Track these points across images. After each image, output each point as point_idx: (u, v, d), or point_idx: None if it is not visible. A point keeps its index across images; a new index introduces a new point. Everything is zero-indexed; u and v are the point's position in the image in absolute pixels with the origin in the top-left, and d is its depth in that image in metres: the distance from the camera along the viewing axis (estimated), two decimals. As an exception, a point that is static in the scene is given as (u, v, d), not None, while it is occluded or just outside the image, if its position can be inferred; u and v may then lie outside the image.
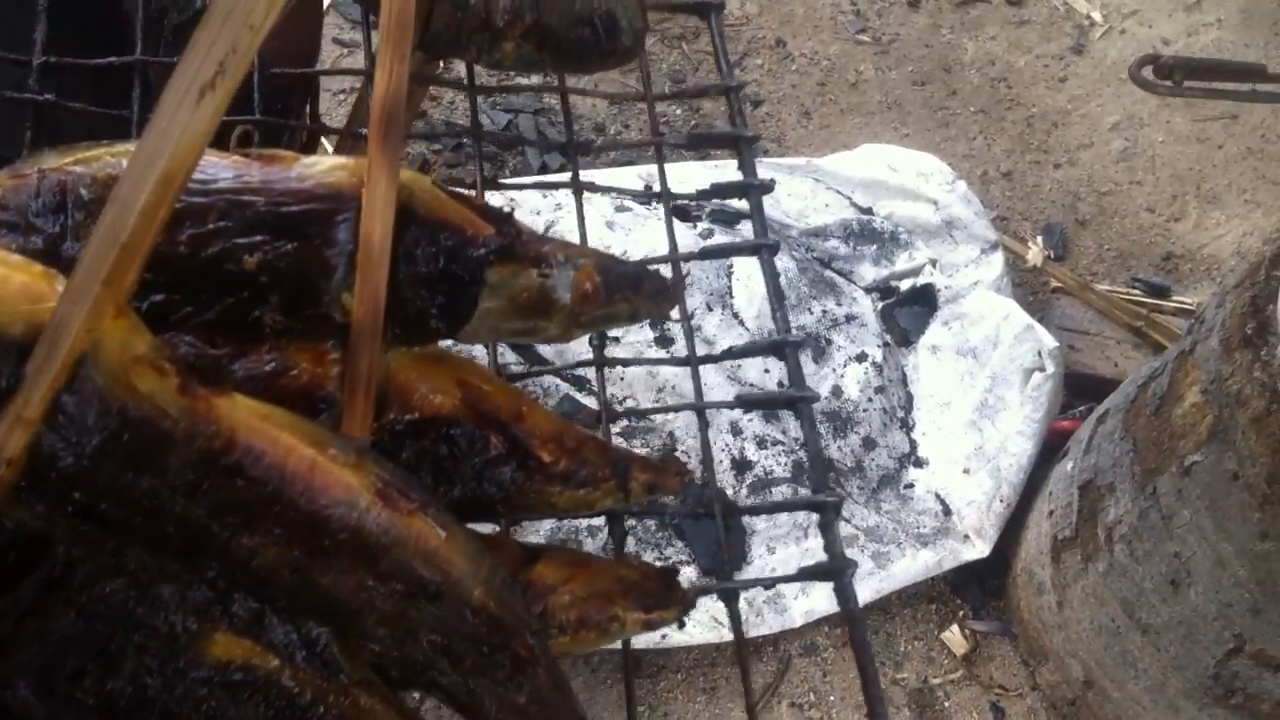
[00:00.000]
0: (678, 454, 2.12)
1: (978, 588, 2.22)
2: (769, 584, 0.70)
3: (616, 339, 2.21)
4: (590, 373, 2.18)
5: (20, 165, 0.60)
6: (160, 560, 0.55)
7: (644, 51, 0.83)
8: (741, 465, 2.17)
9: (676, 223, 2.39)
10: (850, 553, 2.15)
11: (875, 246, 2.44)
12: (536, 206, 2.32)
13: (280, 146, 0.90)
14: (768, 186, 0.80)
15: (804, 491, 2.15)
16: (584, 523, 2.08)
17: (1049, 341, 2.20)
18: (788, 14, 2.95)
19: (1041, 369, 2.19)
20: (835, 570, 0.67)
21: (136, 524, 0.54)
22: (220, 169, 0.59)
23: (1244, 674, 1.68)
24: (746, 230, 2.35)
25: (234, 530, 0.54)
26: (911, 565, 2.15)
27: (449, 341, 0.63)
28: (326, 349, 0.60)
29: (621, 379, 2.19)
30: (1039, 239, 2.60)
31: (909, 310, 2.40)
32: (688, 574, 2.08)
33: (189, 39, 0.50)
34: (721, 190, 0.82)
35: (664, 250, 2.22)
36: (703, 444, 0.75)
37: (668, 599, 0.62)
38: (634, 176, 2.41)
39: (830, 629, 2.15)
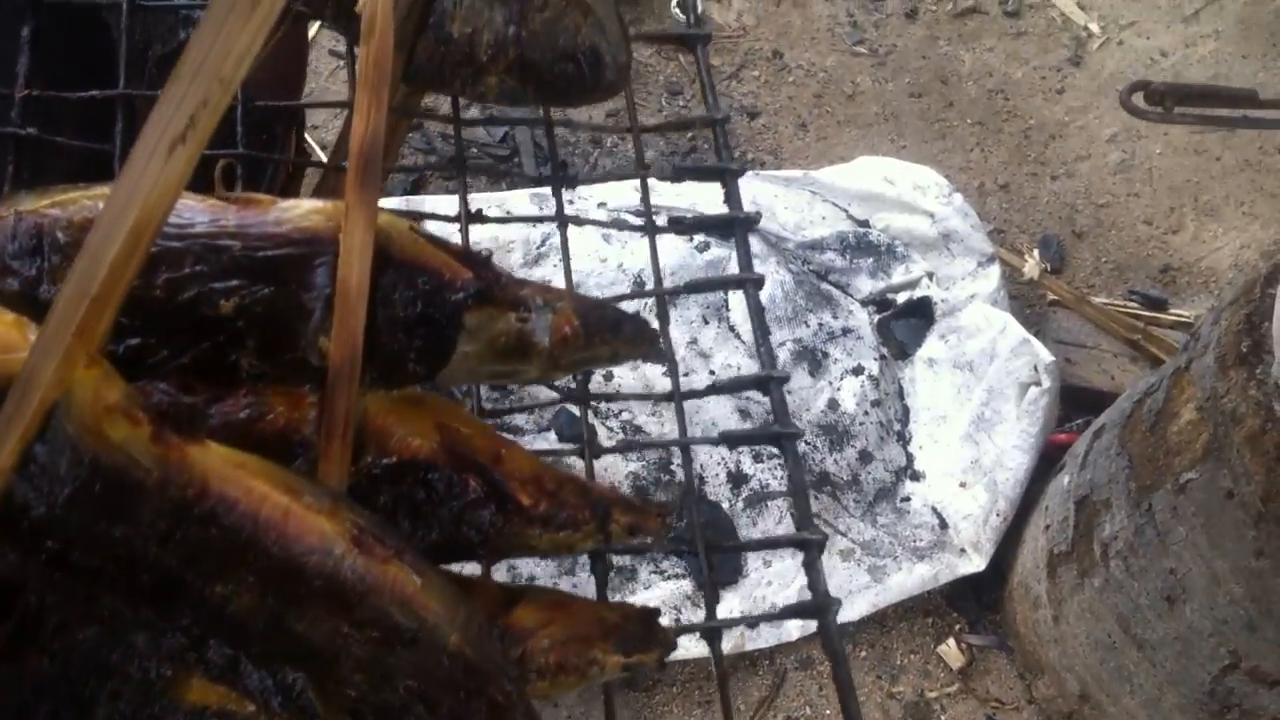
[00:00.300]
0: (674, 466, 2.12)
1: (974, 601, 2.22)
2: (752, 623, 0.69)
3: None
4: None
5: (-4, 208, 0.60)
6: (134, 607, 0.54)
7: (629, 83, 0.83)
8: (738, 479, 2.16)
9: (672, 235, 2.40)
10: (846, 566, 2.15)
11: (872, 259, 2.43)
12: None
13: (264, 179, 0.90)
14: (753, 220, 0.80)
15: (800, 505, 2.15)
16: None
17: (1045, 356, 2.20)
18: (785, 25, 2.95)
19: (1038, 383, 2.19)
20: (820, 608, 0.67)
21: (110, 571, 0.53)
22: (196, 213, 0.59)
23: (1239, 690, 1.68)
24: (743, 242, 2.36)
25: (207, 578, 0.54)
26: (908, 579, 2.15)
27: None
28: (303, 393, 0.60)
29: (618, 389, 2.19)
30: (1036, 251, 2.60)
31: (905, 323, 2.39)
32: (683, 587, 2.08)
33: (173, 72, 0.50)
34: (707, 223, 0.82)
35: (666, 264, 2.21)
36: (686, 480, 0.75)
37: (648, 641, 0.61)
38: (630, 189, 2.41)
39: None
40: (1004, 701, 2.13)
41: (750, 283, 0.78)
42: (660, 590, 2.06)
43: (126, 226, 0.49)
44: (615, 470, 2.10)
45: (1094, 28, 2.99)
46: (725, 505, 2.14)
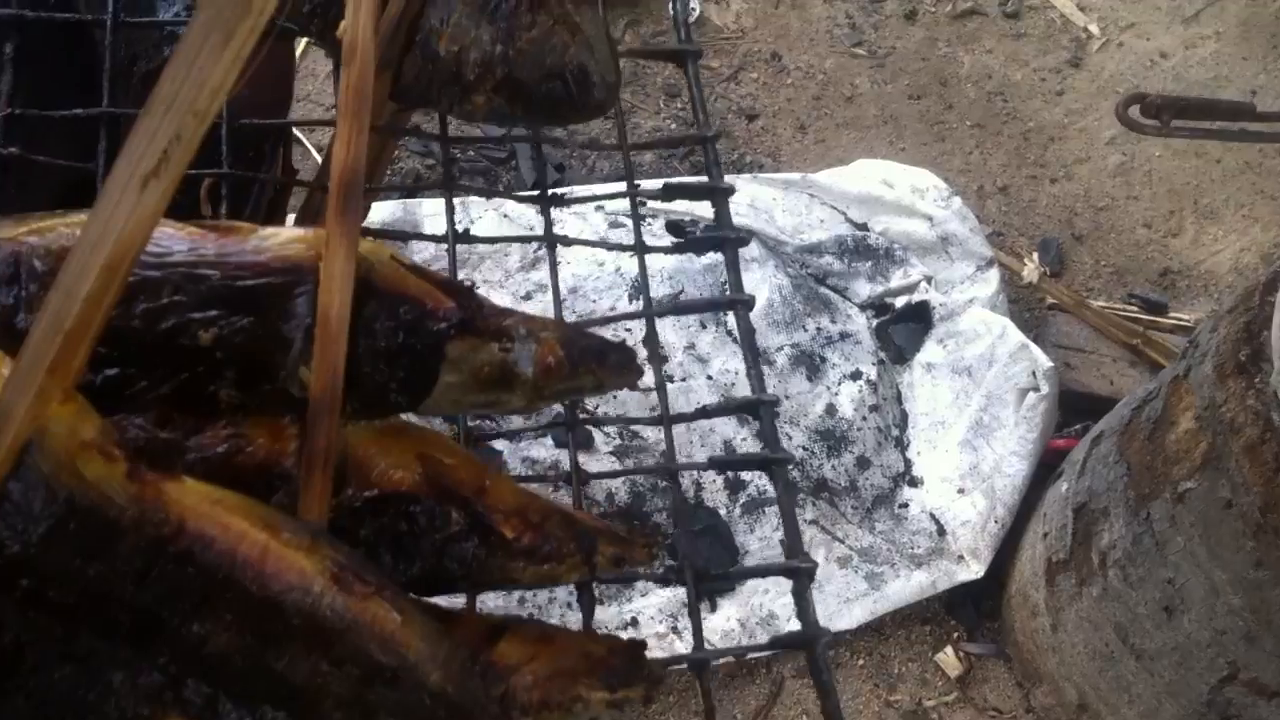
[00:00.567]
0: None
1: (972, 609, 2.21)
2: (739, 654, 0.68)
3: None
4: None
5: (-26, 235, 0.59)
6: (111, 646, 0.53)
7: (619, 101, 0.82)
8: (735, 485, 2.16)
9: (671, 240, 2.39)
10: (844, 573, 2.14)
11: (870, 263, 2.43)
12: (530, 223, 2.31)
13: (251, 197, 0.89)
14: (743, 239, 0.79)
15: (796, 511, 2.14)
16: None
17: (1044, 361, 2.19)
18: (783, 27, 2.94)
19: (1036, 389, 2.18)
20: (808, 640, 0.66)
21: (86, 610, 0.52)
22: (175, 241, 0.58)
23: (1238, 701, 1.67)
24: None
25: (185, 616, 0.53)
26: (906, 586, 2.15)
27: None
28: (284, 424, 0.59)
29: (614, 398, 2.18)
30: (1035, 255, 2.59)
31: (904, 327, 2.38)
32: (679, 594, 2.07)
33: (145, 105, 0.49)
34: (696, 244, 0.81)
35: (655, 269, 2.20)
36: (675, 507, 0.74)
37: (635, 676, 0.60)
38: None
39: (823, 650, 2.13)
40: (1002, 710, 2.12)
41: (741, 304, 0.77)
42: (656, 597, 2.05)
43: (100, 262, 0.48)
44: (613, 480, 2.09)
45: (1094, 29, 2.98)
46: (723, 512, 2.13)
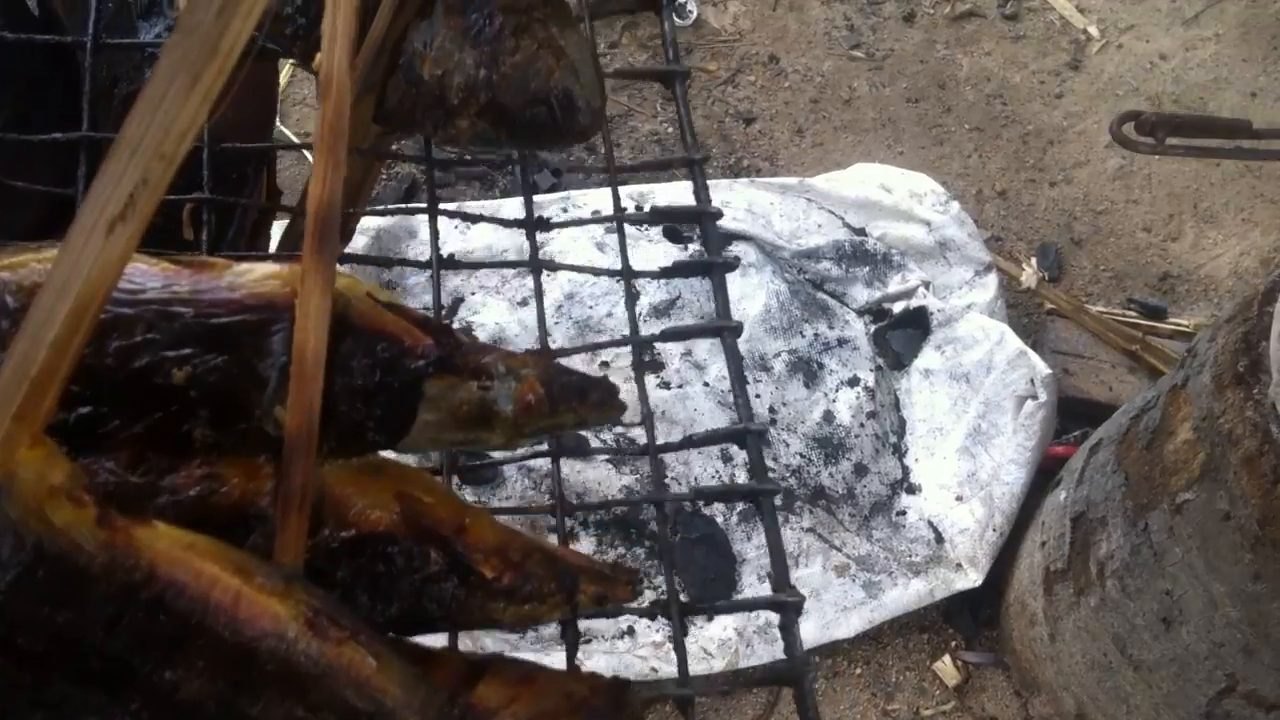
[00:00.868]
0: (667, 482, 2.10)
1: (970, 617, 2.20)
2: (725, 690, 0.67)
3: (607, 363, 2.19)
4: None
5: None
6: (82, 693, 0.53)
7: (606, 126, 0.81)
8: (734, 487, 2.14)
9: (667, 244, 2.39)
10: (842, 582, 2.13)
11: (868, 268, 2.42)
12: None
13: (233, 220, 0.88)
14: (730, 264, 0.78)
15: (794, 519, 2.14)
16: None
17: (1042, 369, 2.18)
18: (781, 30, 2.92)
19: (1034, 396, 2.17)
20: (795, 675, 0.65)
21: (56, 657, 0.51)
22: (148, 278, 0.57)
23: (1236, 713, 1.66)
24: (738, 251, 2.34)
25: (157, 663, 0.52)
26: (903, 595, 2.14)
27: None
28: (259, 463, 0.58)
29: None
30: (1034, 260, 2.58)
31: (902, 333, 2.38)
32: (677, 603, 2.06)
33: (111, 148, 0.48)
34: (684, 269, 0.80)
35: (654, 269, 2.20)
36: (663, 539, 0.73)
37: (618, 716, 0.60)
38: (624, 195, 2.39)
39: (820, 659, 2.13)
40: (1000, 719, 2.11)
41: (728, 330, 0.75)
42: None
43: (66, 307, 0.47)
44: (609, 484, 2.08)
45: (1093, 31, 2.97)
46: (720, 520, 2.13)
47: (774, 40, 2.91)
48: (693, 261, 0.79)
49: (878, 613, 2.13)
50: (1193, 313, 2.52)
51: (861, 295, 2.40)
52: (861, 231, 2.46)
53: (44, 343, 0.47)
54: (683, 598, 2.07)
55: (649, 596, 2.06)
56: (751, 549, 2.10)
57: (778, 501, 2.14)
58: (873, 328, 2.38)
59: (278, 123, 2.51)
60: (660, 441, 2.08)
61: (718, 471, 2.14)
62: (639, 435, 2.15)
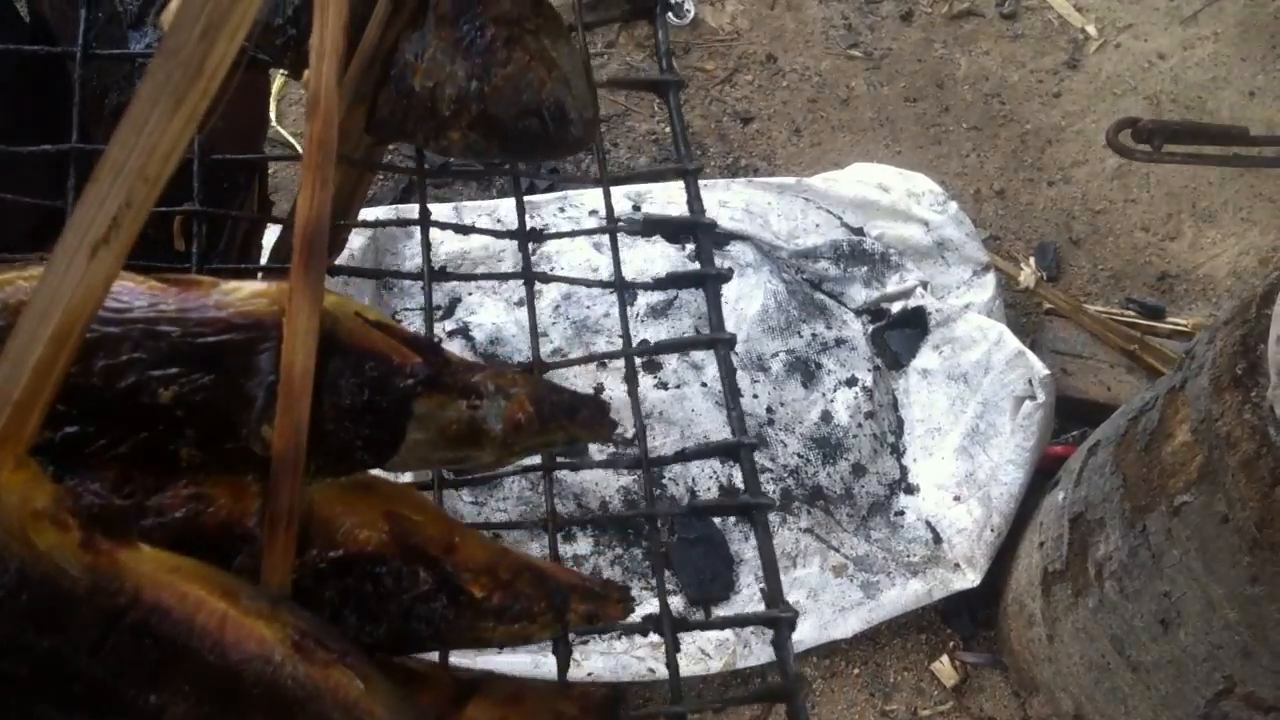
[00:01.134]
0: (664, 482, 2.10)
1: (968, 617, 2.20)
2: (718, 706, 0.67)
3: (604, 364, 2.18)
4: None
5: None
6: (66, 717, 0.52)
7: (599, 136, 0.81)
8: (730, 492, 2.14)
9: (664, 245, 2.38)
10: (839, 582, 2.13)
11: (866, 268, 2.41)
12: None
13: (224, 229, 0.88)
14: (725, 275, 0.77)
15: (791, 520, 2.13)
16: (570, 553, 2.06)
17: (1040, 369, 2.17)
18: (779, 29, 2.92)
19: (1033, 397, 2.17)
20: (788, 691, 0.64)
21: (40, 681, 0.51)
22: (135, 296, 0.57)
23: (1234, 715, 1.66)
24: (736, 251, 2.34)
25: (141, 688, 0.52)
26: (901, 595, 2.13)
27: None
28: (247, 482, 0.58)
29: (609, 398, 2.16)
30: (1032, 259, 2.57)
31: (900, 333, 2.37)
32: (675, 604, 2.06)
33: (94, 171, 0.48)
34: (678, 280, 0.79)
35: (654, 270, 2.19)
36: (654, 555, 0.73)
37: (608, 735, 0.59)
38: (622, 196, 2.39)
39: (818, 660, 2.13)
40: (998, 720, 2.11)
41: (721, 343, 0.75)
42: (650, 606, 2.03)
43: (49, 331, 0.46)
44: (606, 485, 2.08)
45: (1091, 30, 2.96)
46: (717, 520, 2.12)
47: (771, 39, 2.90)
48: (687, 273, 0.78)
49: (875, 613, 2.12)
50: (1191, 312, 2.52)
51: (859, 295, 2.40)
52: (859, 231, 2.45)
53: (27, 366, 0.47)
54: (679, 600, 2.08)
55: (647, 596, 2.06)
56: (749, 549, 2.10)
57: (772, 516, 2.14)
58: (870, 328, 2.38)
59: (273, 122, 2.51)
60: (657, 442, 2.08)
61: (715, 472, 2.14)
62: (632, 432, 2.15)
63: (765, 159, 2.71)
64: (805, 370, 2.27)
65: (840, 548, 2.16)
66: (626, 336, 0.77)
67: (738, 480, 2.16)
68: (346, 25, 0.59)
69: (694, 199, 0.81)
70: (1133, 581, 1.70)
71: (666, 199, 2.41)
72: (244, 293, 0.58)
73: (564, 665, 0.65)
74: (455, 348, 2.13)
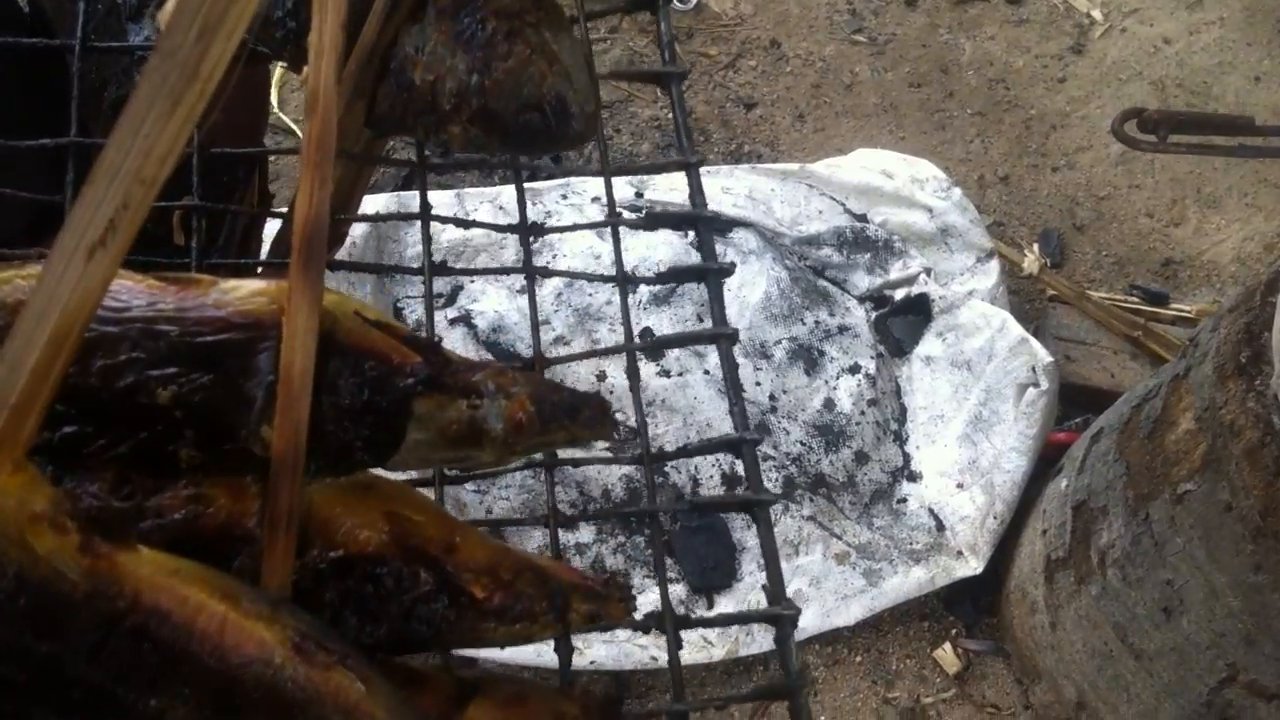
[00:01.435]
0: (668, 468, 2.10)
1: (971, 604, 2.19)
2: (720, 704, 0.67)
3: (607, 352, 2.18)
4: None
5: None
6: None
7: (600, 131, 0.80)
8: (732, 481, 2.14)
9: (668, 231, 2.37)
10: (842, 570, 2.13)
11: (869, 255, 2.40)
12: (526, 215, 2.29)
13: (224, 223, 0.88)
14: (726, 270, 0.77)
15: (794, 507, 2.13)
16: (572, 541, 2.06)
17: (1044, 357, 2.17)
18: (783, 14, 2.90)
19: (1036, 384, 2.16)
20: (791, 689, 0.64)
21: (38, 686, 0.51)
22: (133, 295, 0.56)
23: (1237, 703, 1.66)
24: (739, 238, 2.33)
25: (141, 691, 0.51)
26: (904, 583, 2.13)
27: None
28: (246, 483, 0.58)
29: (610, 393, 2.17)
30: (1035, 246, 2.57)
31: (903, 320, 2.36)
32: (677, 591, 2.06)
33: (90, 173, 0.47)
34: (679, 274, 0.79)
35: (657, 257, 2.17)
36: (655, 553, 0.72)
37: (609, 735, 0.59)
38: (625, 183, 2.38)
39: (820, 647, 2.13)
40: (1000, 707, 2.11)
41: (724, 338, 0.75)
42: (654, 595, 2.04)
43: (46, 334, 0.46)
44: (608, 473, 2.08)
45: (1097, 15, 2.95)
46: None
47: (775, 25, 2.89)
48: (689, 267, 0.78)
49: (878, 600, 2.12)
50: (1195, 299, 2.51)
51: (863, 282, 2.39)
52: (863, 218, 2.44)
53: (24, 369, 0.47)
54: (682, 588, 2.08)
55: (650, 585, 2.06)
56: (751, 537, 2.10)
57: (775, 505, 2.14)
58: (874, 315, 2.37)
59: (275, 109, 2.50)
60: (659, 430, 2.07)
61: (718, 460, 2.13)
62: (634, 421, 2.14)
63: (769, 145, 2.70)
64: (808, 358, 2.27)
65: (843, 535, 2.16)
66: (628, 331, 0.77)
67: (740, 469, 2.15)
68: (345, 23, 0.58)
69: (696, 191, 0.81)
70: (1135, 569, 1.69)
71: (669, 185, 2.41)
72: (243, 292, 0.58)
73: (566, 664, 0.65)
74: (458, 336, 2.13)
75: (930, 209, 2.42)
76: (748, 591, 2.08)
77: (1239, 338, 1.47)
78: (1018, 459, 2.15)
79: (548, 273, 0.80)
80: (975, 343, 2.28)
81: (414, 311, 2.21)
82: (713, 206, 2.29)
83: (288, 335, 0.56)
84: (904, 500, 2.22)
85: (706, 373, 2.19)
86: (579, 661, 1.95)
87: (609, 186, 0.83)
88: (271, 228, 0.93)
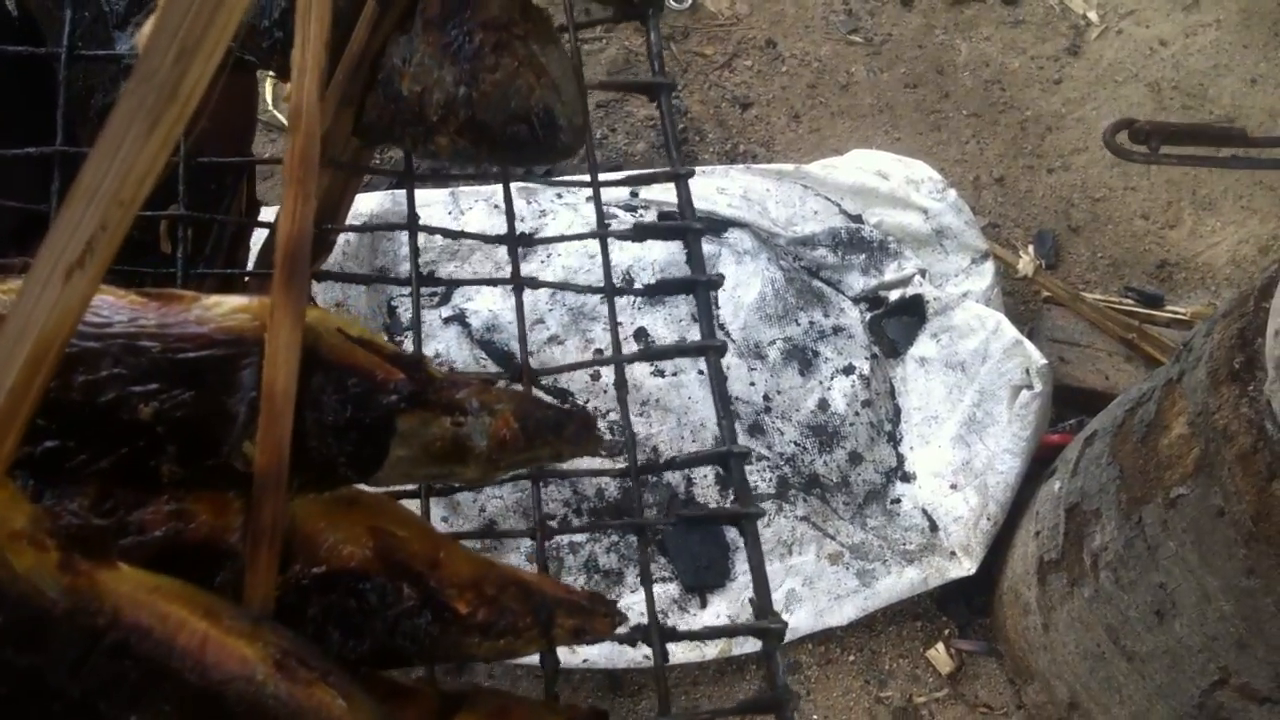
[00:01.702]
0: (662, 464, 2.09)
1: (964, 605, 2.20)
2: (707, 718, 0.67)
3: (600, 350, 2.18)
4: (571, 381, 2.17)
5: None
6: (47, 735, 0.52)
7: (590, 142, 0.80)
8: (726, 481, 2.14)
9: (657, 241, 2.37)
10: (835, 570, 2.13)
11: (864, 256, 2.40)
12: (520, 213, 2.29)
13: (211, 232, 0.87)
14: (715, 282, 0.77)
15: (788, 508, 2.13)
16: (565, 540, 2.06)
17: (1038, 359, 2.17)
18: (779, 13, 2.90)
19: (1030, 386, 2.16)
20: (777, 702, 0.64)
21: (20, 701, 0.51)
22: (115, 310, 0.56)
23: (1229, 706, 1.66)
24: (734, 238, 2.33)
25: (122, 708, 0.51)
26: (897, 583, 2.14)
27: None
28: (229, 498, 0.58)
29: (605, 392, 2.17)
30: (1030, 247, 2.56)
31: (897, 321, 2.37)
32: (670, 590, 2.06)
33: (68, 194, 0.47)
34: (668, 286, 0.79)
35: (651, 257, 2.17)
36: (642, 566, 0.72)
37: (593, 750, 0.59)
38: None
39: (813, 647, 2.13)
40: (993, 707, 2.11)
41: (712, 350, 0.75)
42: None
43: (23, 355, 0.46)
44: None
45: (1093, 16, 2.94)
46: (714, 505, 2.12)
47: (771, 24, 2.89)
48: (677, 279, 0.78)
49: (871, 601, 2.12)
50: (1190, 301, 2.51)
51: (857, 283, 2.39)
52: (858, 218, 2.44)
53: (1, 390, 0.47)
54: (675, 586, 2.08)
55: (654, 573, 2.06)
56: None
57: (769, 504, 2.14)
58: (868, 315, 2.37)
59: (270, 106, 2.49)
60: (654, 429, 2.07)
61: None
62: (633, 423, 2.14)
63: (764, 145, 2.69)
64: (802, 358, 2.27)
65: (836, 535, 2.16)
66: (616, 342, 0.76)
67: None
68: (328, 40, 0.58)
69: (685, 203, 0.81)
70: (1128, 572, 1.70)
71: (664, 186, 2.40)
72: (225, 308, 0.57)
73: (552, 678, 0.65)
74: (452, 335, 2.12)
75: (925, 210, 2.42)
76: (741, 591, 2.08)
77: (1232, 343, 1.47)
78: (1011, 460, 2.15)
79: (535, 284, 0.80)
80: (970, 344, 2.28)
81: (408, 310, 2.21)
82: (708, 206, 2.32)
83: (270, 351, 0.56)
84: (898, 501, 2.22)
85: (701, 372, 2.19)
86: (572, 660, 1.95)
87: (598, 197, 0.83)
88: (261, 234, 0.93)
